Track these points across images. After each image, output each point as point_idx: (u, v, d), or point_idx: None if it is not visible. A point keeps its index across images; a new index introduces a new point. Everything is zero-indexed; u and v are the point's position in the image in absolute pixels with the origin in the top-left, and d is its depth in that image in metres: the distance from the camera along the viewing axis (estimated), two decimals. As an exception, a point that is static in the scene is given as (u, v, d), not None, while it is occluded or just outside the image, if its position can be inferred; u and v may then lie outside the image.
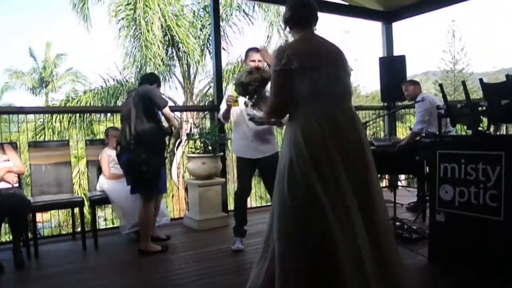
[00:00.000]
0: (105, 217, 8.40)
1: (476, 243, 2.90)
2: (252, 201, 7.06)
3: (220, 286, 2.93)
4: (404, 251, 3.39)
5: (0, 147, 3.85)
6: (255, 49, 3.63)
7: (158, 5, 9.68)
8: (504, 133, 4.95)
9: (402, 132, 11.32)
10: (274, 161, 3.49)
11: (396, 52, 6.58)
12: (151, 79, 3.94)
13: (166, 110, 3.70)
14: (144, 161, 3.51)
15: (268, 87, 2.40)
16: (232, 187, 5.55)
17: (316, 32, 2.21)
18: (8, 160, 3.81)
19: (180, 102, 11.11)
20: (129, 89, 9.62)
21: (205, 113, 6.00)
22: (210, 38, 6.35)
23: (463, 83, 3.19)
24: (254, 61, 3.54)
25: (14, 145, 4.06)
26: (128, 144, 3.58)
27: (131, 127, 3.56)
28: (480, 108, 3.03)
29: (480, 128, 2.99)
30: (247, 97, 2.58)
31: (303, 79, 2.02)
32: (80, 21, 10.38)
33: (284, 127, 2.98)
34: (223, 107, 3.69)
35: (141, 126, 3.56)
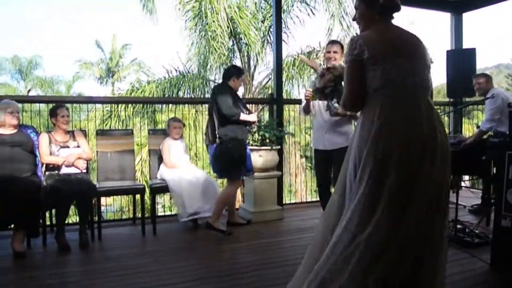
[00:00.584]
0: (164, 204, 8.72)
1: None
2: (306, 195, 7.04)
3: (270, 278, 2.94)
4: (465, 256, 3.24)
5: (71, 134, 4.10)
6: (331, 42, 3.80)
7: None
8: None
9: (469, 129, 10.76)
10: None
11: (465, 45, 6.24)
12: (227, 75, 4.22)
13: (239, 118, 3.98)
14: (228, 151, 3.96)
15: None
16: (287, 180, 5.55)
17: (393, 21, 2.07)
18: (78, 147, 4.05)
19: (240, 93, 11.22)
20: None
21: (264, 105, 6.01)
22: (272, 30, 6.33)
23: None
24: (329, 52, 3.66)
25: (84, 133, 4.30)
26: (214, 139, 4.05)
27: (215, 127, 4.02)
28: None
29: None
30: (328, 99, 2.61)
31: (376, 69, 1.91)
32: (146, 13, 10.75)
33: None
34: (303, 100, 3.79)
35: (221, 129, 3.99)
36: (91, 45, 40.93)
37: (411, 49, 1.98)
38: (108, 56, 28.46)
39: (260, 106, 6.18)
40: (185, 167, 4.39)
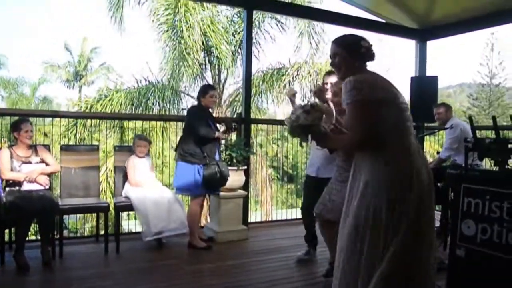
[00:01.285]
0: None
1: (495, 282, 2.85)
2: (271, 209, 7.09)
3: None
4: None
5: (33, 149, 4.01)
6: (328, 73, 3.74)
7: (197, 11, 9.84)
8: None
9: (431, 147, 11.11)
10: None
11: (429, 68, 6.50)
12: (198, 95, 4.47)
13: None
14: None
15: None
16: (253, 200, 5.59)
17: None
18: (42, 162, 3.96)
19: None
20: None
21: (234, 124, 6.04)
22: (242, 44, 6.41)
23: (494, 118, 3.13)
24: (326, 84, 3.64)
25: (47, 148, 4.21)
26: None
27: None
28: (509, 145, 2.96)
29: (507, 166, 2.93)
30: (308, 137, 2.30)
31: (390, 108, 2.01)
32: (114, 23, 10.60)
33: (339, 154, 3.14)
34: None
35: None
36: (60, 47, 40.04)
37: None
38: (76, 59, 27.88)
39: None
40: (150, 185, 4.37)
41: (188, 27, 9.69)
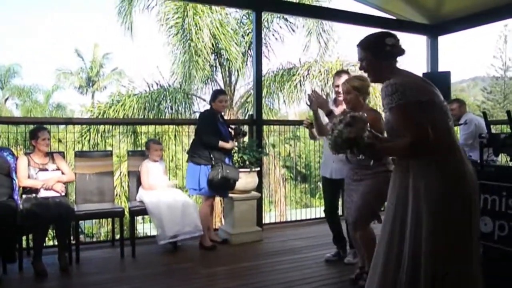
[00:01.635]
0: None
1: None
2: (285, 209, 7.08)
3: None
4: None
5: (50, 156, 4.07)
6: (339, 73, 3.73)
7: (206, 14, 9.88)
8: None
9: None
10: None
11: (441, 63, 6.42)
12: (210, 100, 4.57)
13: (217, 145, 4.32)
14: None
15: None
16: (267, 201, 5.59)
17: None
18: (58, 169, 4.02)
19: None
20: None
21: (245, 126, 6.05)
22: (252, 45, 6.42)
23: (508, 112, 3.07)
24: (337, 86, 3.62)
25: (62, 155, 4.27)
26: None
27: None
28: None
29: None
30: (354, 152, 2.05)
31: (434, 109, 1.96)
32: (124, 29, 10.69)
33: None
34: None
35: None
36: (71, 54, 40.59)
37: None
38: (88, 65, 28.22)
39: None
40: (164, 189, 4.39)
41: (198, 30, 9.73)
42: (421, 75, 5.73)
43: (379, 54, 2.09)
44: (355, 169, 3.17)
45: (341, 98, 3.60)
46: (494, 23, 6.07)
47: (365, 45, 2.13)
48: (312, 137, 3.86)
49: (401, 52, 2.12)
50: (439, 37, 6.44)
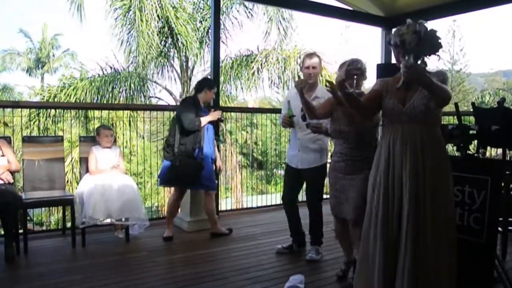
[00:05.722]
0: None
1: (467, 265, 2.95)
2: (241, 195, 7.13)
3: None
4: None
5: (-5, 143, 3.85)
6: (309, 55, 3.69)
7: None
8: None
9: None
10: (317, 173, 3.64)
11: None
12: (199, 88, 4.36)
13: (200, 125, 4.16)
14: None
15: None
16: (223, 188, 5.59)
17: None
18: (3, 156, 3.81)
19: (177, 93, 11.14)
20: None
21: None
22: (210, 30, 6.29)
23: (456, 105, 3.21)
24: (308, 68, 3.62)
25: (8, 140, 4.06)
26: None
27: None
28: (470, 132, 3.06)
29: (469, 152, 3.03)
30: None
31: None
32: (74, 11, 10.27)
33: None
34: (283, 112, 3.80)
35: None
36: (16, 34, 38.50)
37: None
38: (37, 46, 26.85)
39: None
40: (110, 174, 4.16)
41: (144, 13, 9.49)
42: (375, 66, 5.91)
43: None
44: (348, 160, 2.99)
45: (310, 80, 3.60)
46: (444, 18, 6.29)
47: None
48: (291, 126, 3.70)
49: None
50: (393, 29, 6.59)
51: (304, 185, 3.91)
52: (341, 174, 3.02)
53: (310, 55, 3.71)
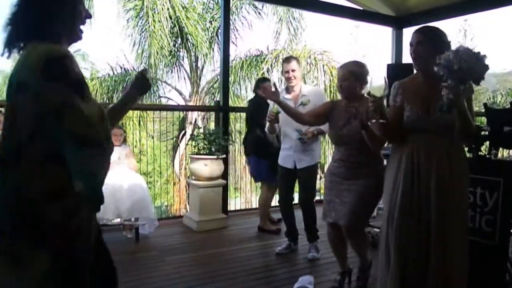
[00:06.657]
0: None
1: (479, 267, 2.92)
2: (251, 197, 7.12)
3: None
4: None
5: None
6: (287, 59, 3.71)
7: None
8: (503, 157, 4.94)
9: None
10: (311, 172, 3.70)
11: (405, 55, 6.55)
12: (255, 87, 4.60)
13: None
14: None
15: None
16: (232, 188, 5.59)
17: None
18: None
19: (186, 93, 11.17)
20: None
21: (210, 113, 6.00)
22: (219, 31, 6.28)
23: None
24: (287, 72, 3.64)
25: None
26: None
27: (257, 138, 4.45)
28: (482, 133, 3.03)
29: (480, 153, 3.00)
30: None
31: None
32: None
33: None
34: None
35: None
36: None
37: None
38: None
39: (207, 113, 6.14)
40: (121, 171, 4.18)
41: (155, 13, 9.54)
42: (385, 66, 5.87)
43: (440, 46, 2.16)
44: (347, 165, 2.83)
45: (292, 84, 3.64)
46: (456, 18, 6.23)
47: (432, 36, 2.29)
48: (272, 130, 3.65)
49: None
50: (404, 29, 6.55)
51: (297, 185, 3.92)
52: (340, 179, 2.86)
53: (287, 59, 3.74)
